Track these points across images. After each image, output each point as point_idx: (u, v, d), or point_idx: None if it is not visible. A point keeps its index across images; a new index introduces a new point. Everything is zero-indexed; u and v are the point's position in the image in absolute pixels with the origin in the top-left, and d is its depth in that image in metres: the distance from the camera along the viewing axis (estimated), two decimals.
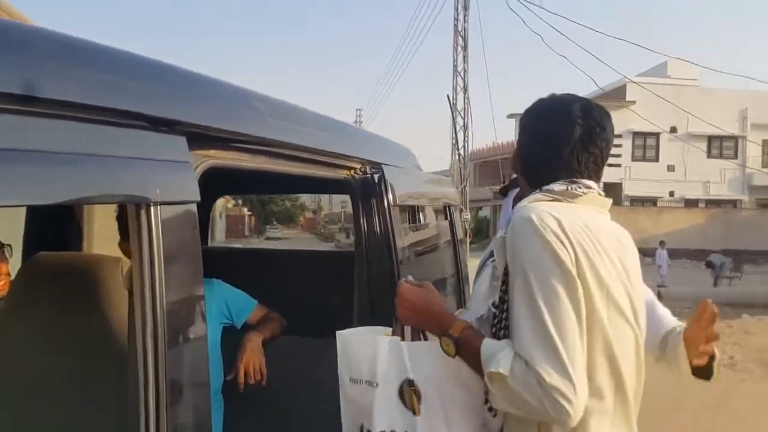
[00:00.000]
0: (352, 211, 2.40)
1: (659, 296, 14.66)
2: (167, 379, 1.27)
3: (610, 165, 33.47)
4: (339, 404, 1.64)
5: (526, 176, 1.68)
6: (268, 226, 51.05)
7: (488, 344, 1.43)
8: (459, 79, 14.11)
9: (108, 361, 1.61)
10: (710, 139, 32.64)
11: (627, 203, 32.64)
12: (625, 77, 28.55)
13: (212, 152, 1.60)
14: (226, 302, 2.38)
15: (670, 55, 30.23)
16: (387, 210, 2.31)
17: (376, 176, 2.33)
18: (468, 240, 14.69)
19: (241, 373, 2.15)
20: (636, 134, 32.73)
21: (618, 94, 31.24)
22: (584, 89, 48.66)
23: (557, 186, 1.56)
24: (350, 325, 2.00)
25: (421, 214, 2.99)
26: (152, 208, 1.27)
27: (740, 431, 5.72)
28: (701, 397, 6.51)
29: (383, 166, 2.36)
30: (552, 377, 1.30)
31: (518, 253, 1.42)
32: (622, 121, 31.83)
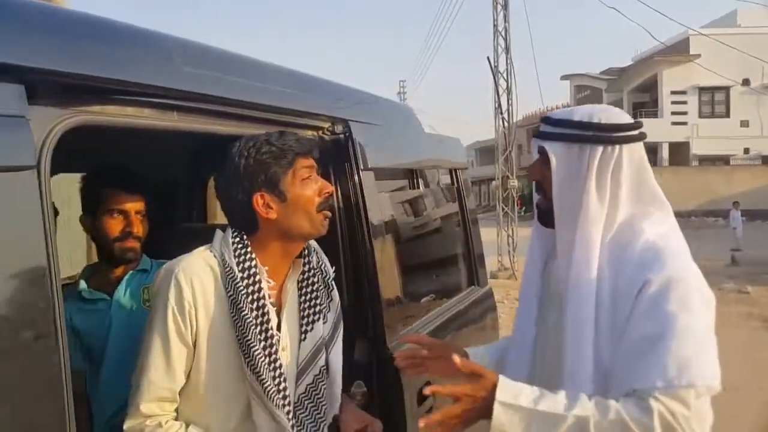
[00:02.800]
0: None
1: (733, 260, 13.70)
2: None
3: (675, 123, 32.09)
4: None
5: None
6: None
7: None
8: (500, 39, 13.36)
9: None
10: None
11: (695, 163, 30.93)
12: (689, 29, 26.79)
13: (87, 107, 1.27)
14: None
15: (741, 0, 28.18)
16: (356, 175, 1.94)
17: (341, 136, 1.96)
18: (516, 209, 13.99)
19: None
20: (702, 89, 30.82)
21: (680, 47, 29.45)
22: (641, 45, 46.14)
23: None
24: None
25: (418, 180, 2.61)
26: None
27: None
28: None
29: (350, 122, 1.98)
30: None
31: None
32: (685, 76, 30.12)
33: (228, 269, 1.45)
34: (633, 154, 1.41)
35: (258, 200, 1.47)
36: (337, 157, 1.95)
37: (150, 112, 1.44)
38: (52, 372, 1.08)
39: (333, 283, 1.70)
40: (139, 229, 1.91)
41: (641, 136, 1.43)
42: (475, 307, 2.69)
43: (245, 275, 1.45)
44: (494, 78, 12.83)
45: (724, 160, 31.20)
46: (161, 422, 1.42)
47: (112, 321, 1.90)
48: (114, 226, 1.89)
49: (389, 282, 2.06)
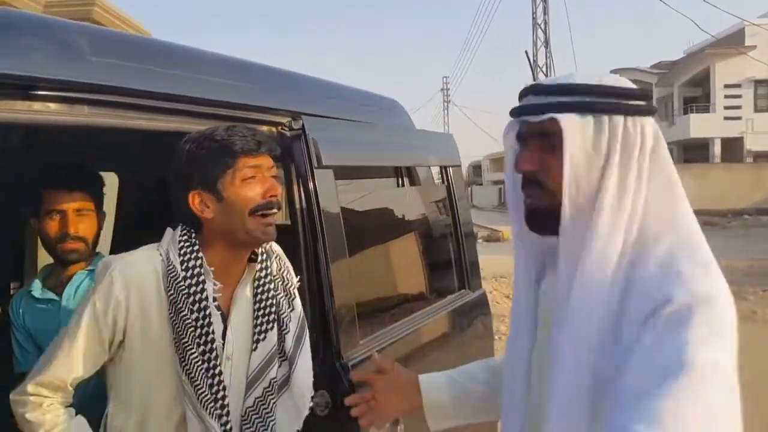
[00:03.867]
0: None
1: None
2: None
3: (728, 118, 31.08)
4: None
5: None
6: None
7: None
8: (539, 32, 13.02)
9: None
10: None
11: (750, 159, 29.67)
12: (744, 20, 25.69)
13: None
14: None
15: None
16: (308, 174, 1.79)
17: (291, 132, 1.82)
18: None
19: None
20: (758, 82, 29.52)
21: (734, 39, 28.29)
22: (691, 38, 44.38)
23: None
24: None
25: (402, 178, 2.44)
26: None
27: None
28: None
29: (303, 116, 1.83)
30: None
31: None
32: (739, 69, 28.93)
33: (171, 267, 1.38)
34: (655, 130, 1.07)
35: (193, 198, 1.39)
36: (295, 154, 1.81)
37: (58, 107, 1.33)
38: None
39: (296, 292, 1.58)
40: (77, 228, 1.83)
41: (654, 109, 1.10)
42: (465, 311, 2.52)
43: (188, 274, 1.38)
44: (533, 72, 12.53)
45: None
46: (43, 403, 1.39)
47: (60, 321, 1.83)
48: (52, 227, 1.83)
49: (361, 284, 1.92)
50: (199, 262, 1.39)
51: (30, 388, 1.38)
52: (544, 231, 1.11)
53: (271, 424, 1.47)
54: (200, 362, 1.36)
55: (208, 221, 1.40)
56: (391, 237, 2.31)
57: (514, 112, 1.12)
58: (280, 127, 1.89)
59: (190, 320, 1.35)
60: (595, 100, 1.04)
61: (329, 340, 1.79)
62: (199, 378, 1.35)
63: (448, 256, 2.55)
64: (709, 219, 25.54)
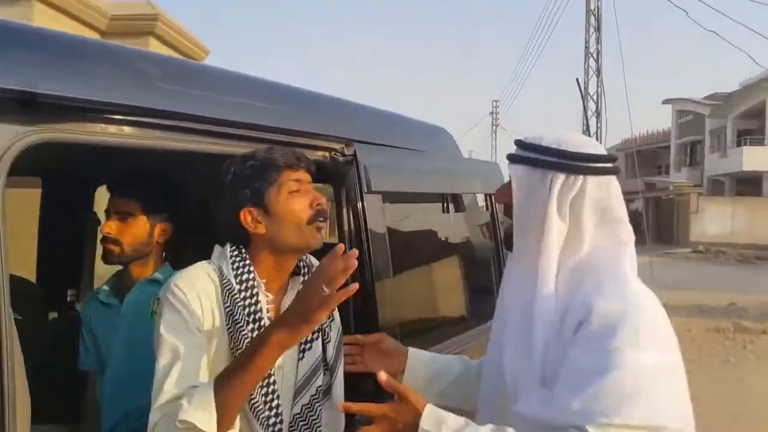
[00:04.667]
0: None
1: None
2: None
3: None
4: None
5: None
6: None
7: None
8: (591, 61, 12.96)
9: None
10: None
11: None
12: None
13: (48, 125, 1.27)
14: None
15: None
16: (358, 198, 1.86)
17: (343, 158, 1.90)
18: None
19: None
20: None
21: None
22: (747, 71, 43.44)
23: None
24: None
25: (447, 205, 2.49)
26: None
27: None
28: None
29: (356, 143, 1.91)
30: None
31: None
32: None
33: (226, 281, 1.43)
34: (601, 186, 1.36)
35: (245, 216, 1.46)
36: (346, 179, 1.89)
37: (130, 130, 1.43)
38: None
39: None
40: (112, 229, 1.88)
41: (611, 170, 1.38)
42: None
43: (242, 287, 1.43)
44: (583, 100, 12.49)
45: None
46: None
47: (117, 329, 1.93)
48: (101, 228, 1.91)
49: (394, 303, 1.98)
50: (252, 275, 1.45)
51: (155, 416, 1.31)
52: (511, 248, 1.44)
53: (318, 430, 1.51)
54: None
55: (258, 236, 1.46)
56: (434, 260, 2.36)
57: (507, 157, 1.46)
58: (333, 153, 1.97)
59: (245, 331, 1.39)
60: (546, 159, 1.35)
61: None
62: (253, 390, 1.38)
63: (491, 281, 2.59)
64: (761, 254, 24.75)
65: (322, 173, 1.83)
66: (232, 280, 1.43)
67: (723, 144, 33.63)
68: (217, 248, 1.52)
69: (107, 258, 1.94)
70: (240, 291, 1.43)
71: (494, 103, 50.47)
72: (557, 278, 1.33)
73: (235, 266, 1.45)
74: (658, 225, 28.00)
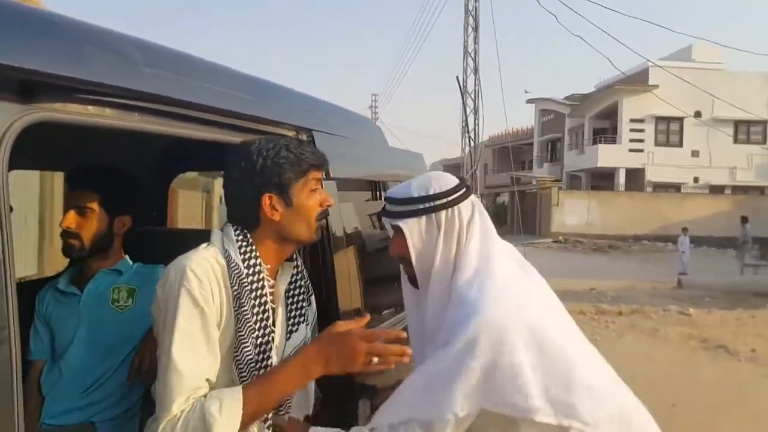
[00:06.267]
0: None
1: (679, 284, 14.32)
2: None
3: (632, 150, 33.09)
4: None
5: None
6: None
7: None
8: (469, 60, 13.61)
9: None
10: (737, 123, 31.66)
11: (650, 189, 31.89)
12: (648, 60, 27.70)
13: (46, 105, 1.25)
14: None
15: (695, 36, 29.32)
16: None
17: None
18: None
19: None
20: (659, 119, 31.90)
21: (640, 78, 30.46)
22: (603, 73, 47.50)
23: None
24: None
25: (381, 192, 2.62)
26: None
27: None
28: (719, 395, 6.09)
29: (314, 132, 1.99)
30: None
31: None
32: (644, 105, 31.08)
33: (234, 265, 1.46)
34: (469, 206, 1.62)
35: (266, 200, 1.52)
36: None
37: (111, 112, 1.43)
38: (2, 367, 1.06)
39: (311, 287, 1.74)
40: (72, 223, 1.87)
41: (468, 192, 1.65)
42: None
43: (250, 272, 1.48)
44: (462, 98, 13.06)
45: (675, 187, 32.23)
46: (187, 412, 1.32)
47: (79, 317, 1.92)
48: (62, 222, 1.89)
49: (350, 291, 2.08)
50: (258, 260, 1.51)
51: (176, 408, 1.31)
52: (416, 286, 1.68)
53: (288, 407, 1.60)
54: (253, 355, 1.45)
55: (271, 222, 1.53)
56: (379, 245, 2.49)
57: (383, 214, 1.70)
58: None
59: (249, 315, 1.45)
60: (426, 206, 1.59)
61: None
62: (248, 371, 1.44)
63: None
64: (613, 243, 27.24)
65: None
66: (240, 264, 1.47)
67: (581, 142, 36.43)
68: (216, 233, 1.55)
69: (67, 252, 1.91)
70: (248, 275, 1.47)
71: (373, 96, 51.15)
72: (446, 300, 1.57)
73: (242, 251, 1.50)
74: (523, 217, 29.83)
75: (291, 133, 2.03)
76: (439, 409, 1.44)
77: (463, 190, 1.64)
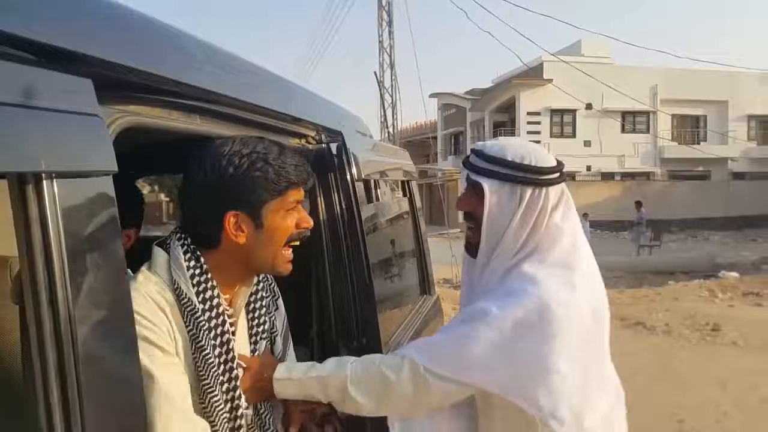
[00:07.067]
0: None
1: None
2: (82, 416, 0.86)
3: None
4: None
5: None
6: None
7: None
8: (385, 55, 13.73)
9: None
10: (624, 114, 33.83)
11: None
12: (546, 51, 28.96)
13: (132, 107, 1.16)
14: None
15: (590, 31, 31.02)
16: (351, 186, 1.92)
17: (334, 146, 1.93)
18: None
19: None
20: (554, 111, 33.49)
21: (536, 72, 31.81)
22: (509, 65, 49.25)
23: None
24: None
25: (380, 190, 2.62)
26: (44, 184, 0.85)
27: (685, 398, 5.71)
28: (649, 368, 6.52)
29: (344, 133, 1.96)
30: None
31: None
32: (540, 98, 32.53)
33: (186, 300, 1.22)
34: (558, 194, 1.53)
35: (230, 218, 1.26)
36: (330, 167, 1.92)
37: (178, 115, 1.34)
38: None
39: (278, 290, 1.57)
40: None
41: (562, 178, 1.55)
42: (430, 314, 2.75)
43: (206, 306, 1.24)
44: (380, 92, 13.14)
45: (570, 176, 33.97)
46: None
47: None
48: None
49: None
50: (216, 291, 1.26)
51: None
52: (474, 255, 1.60)
53: (270, 421, 1.46)
54: (221, 404, 1.25)
55: (232, 244, 1.27)
56: (392, 240, 2.48)
57: (463, 163, 1.58)
58: (306, 140, 1.98)
59: (212, 358, 1.23)
60: (514, 174, 1.48)
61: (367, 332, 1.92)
62: (220, 423, 1.24)
63: (417, 260, 2.78)
64: None
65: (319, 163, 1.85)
66: (194, 300, 1.23)
67: (482, 135, 37.62)
68: (159, 254, 1.27)
69: None
70: (204, 311, 1.24)
71: None
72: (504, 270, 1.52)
73: (195, 281, 1.24)
74: (431, 208, 30.46)
75: (320, 135, 1.97)
76: (456, 369, 1.44)
77: (558, 173, 1.52)
